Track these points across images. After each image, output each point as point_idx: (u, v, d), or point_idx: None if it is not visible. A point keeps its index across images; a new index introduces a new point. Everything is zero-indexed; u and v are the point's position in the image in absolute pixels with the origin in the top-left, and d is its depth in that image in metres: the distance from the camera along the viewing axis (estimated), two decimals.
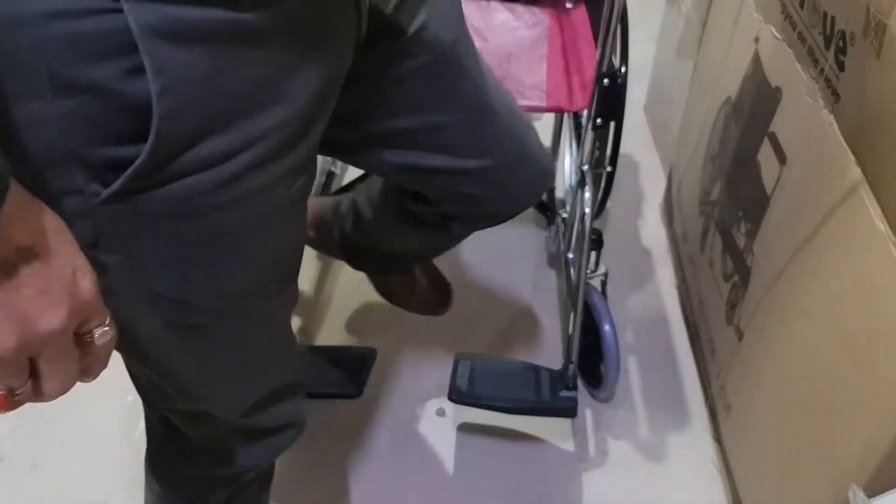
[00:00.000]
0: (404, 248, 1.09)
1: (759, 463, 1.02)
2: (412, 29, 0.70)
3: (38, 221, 0.42)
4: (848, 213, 0.81)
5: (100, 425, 1.26)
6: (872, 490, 0.73)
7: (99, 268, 0.46)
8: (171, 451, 0.81)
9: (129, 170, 0.47)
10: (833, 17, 0.84)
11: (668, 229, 1.61)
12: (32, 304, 0.41)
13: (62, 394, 0.46)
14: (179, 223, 0.52)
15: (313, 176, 0.63)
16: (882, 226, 0.75)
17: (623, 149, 1.85)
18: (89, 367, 0.47)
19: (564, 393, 1.13)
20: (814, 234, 0.88)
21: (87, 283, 0.44)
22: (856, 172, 0.80)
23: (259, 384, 0.73)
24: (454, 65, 0.75)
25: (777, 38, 1.02)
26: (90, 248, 0.49)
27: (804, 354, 0.90)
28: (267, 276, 0.62)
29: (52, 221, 0.43)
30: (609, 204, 1.69)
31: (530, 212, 1.64)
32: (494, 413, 1.25)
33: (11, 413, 1.14)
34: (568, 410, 1.13)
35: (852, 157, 0.81)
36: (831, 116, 0.85)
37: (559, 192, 1.60)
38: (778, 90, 1.00)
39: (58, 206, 0.46)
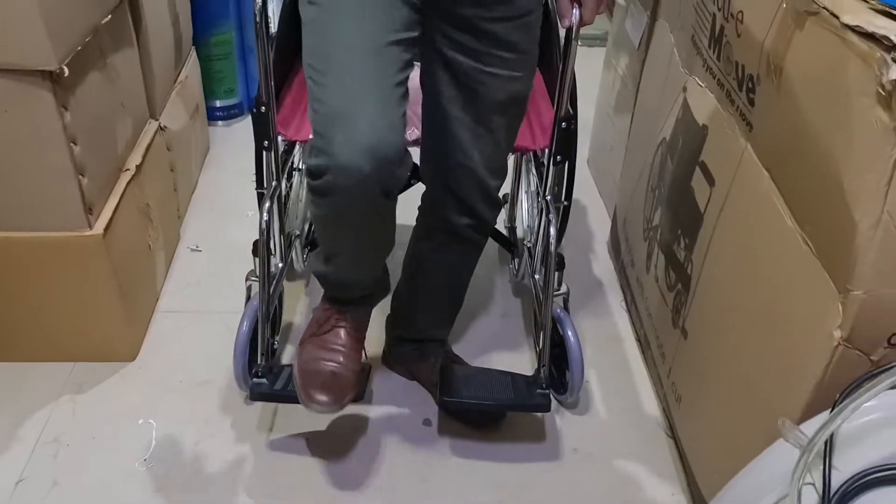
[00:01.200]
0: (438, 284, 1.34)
1: (707, 439, 1.20)
2: None
3: None
4: (764, 216, 1.02)
5: (113, 447, 1.36)
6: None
7: None
8: None
9: None
10: (743, 65, 1.07)
11: (616, 260, 1.82)
12: None
13: None
14: None
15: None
16: (791, 223, 0.96)
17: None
18: None
19: (538, 391, 1.30)
20: (739, 237, 1.09)
21: None
22: (768, 184, 1.01)
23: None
24: None
25: (701, 86, 1.25)
26: None
27: (736, 339, 1.10)
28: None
29: None
30: (562, 242, 1.90)
31: (495, 251, 1.84)
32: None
33: (30, 437, 1.23)
34: (542, 406, 1.29)
35: (765, 173, 1.02)
36: (747, 143, 1.07)
37: (519, 230, 1.80)
38: (705, 127, 1.22)
39: None
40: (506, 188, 1.88)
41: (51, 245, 1.34)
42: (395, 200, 1.08)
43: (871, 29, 0.76)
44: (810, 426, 0.79)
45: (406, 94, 1.01)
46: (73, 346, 1.48)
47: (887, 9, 0.80)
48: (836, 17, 0.82)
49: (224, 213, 1.95)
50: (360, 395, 1.28)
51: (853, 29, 0.79)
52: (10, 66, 1.15)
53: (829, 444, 0.75)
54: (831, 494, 0.72)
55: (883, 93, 0.75)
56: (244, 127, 2.34)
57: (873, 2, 0.82)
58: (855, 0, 0.83)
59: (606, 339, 1.66)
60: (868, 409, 0.78)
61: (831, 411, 0.76)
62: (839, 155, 0.84)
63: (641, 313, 1.57)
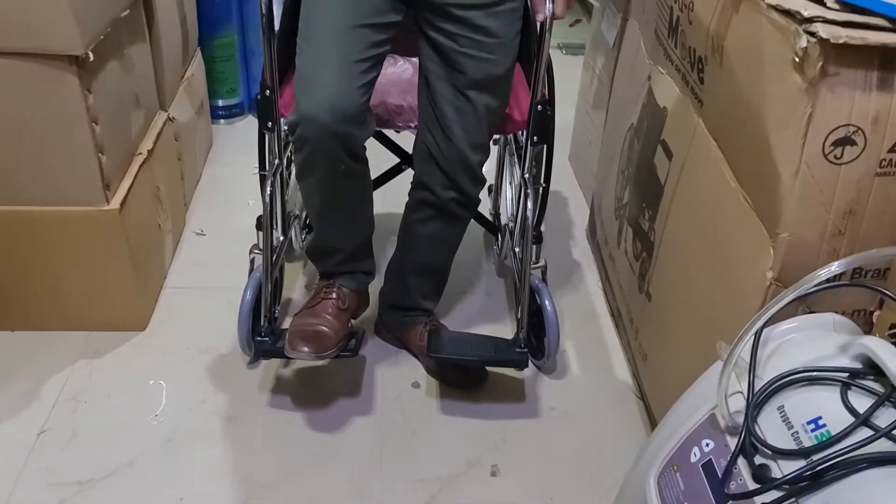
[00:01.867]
0: (426, 253, 1.49)
1: (670, 390, 1.32)
2: None
3: None
4: (712, 180, 1.15)
5: (128, 403, 1.48)
6: None
7: None
8: None
9: None
10: (694, 49, 1.21)
11: (592, 242, 1.95)
12: None
13: None
14: None
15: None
16: (734, 184, 1.10)
17: (554, 188, 2.21)
18: None
19: (517, 350, 1.42)
20: (692, 202, 1.22)
21: None
22: (716, 152, 1.15)
23: None
24: None
25: (662, 73, 1.39)
26: None
27: (691, 292, 1.23)
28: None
29: None
30: (544, 229, 2.03)
31: (480, 236, 1.97)
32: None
33: (50, 396, 1.35)
34: (520, 362, 1.42)
35: (714, 143, 1.16)
36: (699, 118, 1.21)
37: (503, 217, 1.93)
38: (665, 108, 1.36)
39: None
40: (491, 178, 2.03)
41: (71, 219, 1.47)
42: (363, 165, 1.31)
43: (786, 6, 0.90)
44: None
45: (371, 68, 1.24)
46: (89, 315, 1.60)
47: None
48: (763, 0, 0.96)
49: (226, 202, 2.08)
50: (354, 352, 1.40)
51: (775, 7, 0.93)
52: (41, 50, 1.28)
53: (753, 359, 0.88)
54: (753, 398, 0.84)
55: (797, 59, 0.88)
56: (245, 125, 2.48)
57: None
58: None
59: (583, 315, 1.78)
60: (788, 331, 0.91)
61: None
62: (766, 117, 0.98)
63: (614, 287, 1.70)
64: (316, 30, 1.22)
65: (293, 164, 1.70)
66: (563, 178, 2.27)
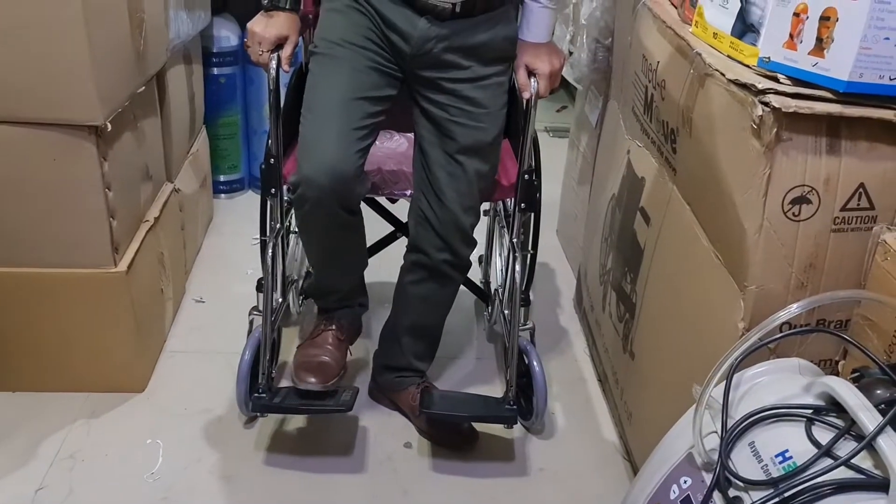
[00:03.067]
0: (419, 314, 1.57)
1: (653, 443, 1.37)
2: None
3: None
4: (687, 241, 1.24)
5: (124, 462, 1.51)
6: None
7: None
8: None
9: None
10: (667, 122, 1.32)
11: (579, 310, 2.02)
12: None
13: None
14: None
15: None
16: (706, 243, 1.18)
17: (542, 260, 2.30)
18: None
19: (506, 407, 1.48)
20: (670, 262, 1.31)
21: None
22: (689, 215, 1.24)
23: None
24: None
25: (639, 146, 1.50)
26: None
27: (670, 347, 1.29)
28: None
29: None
30: (533, 298, 2.11)
31: (471, 304, 2.04)
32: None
33: (48, 454, 1.39)
34: (509, 419, 1.48)
35: (687, 206, 1.25)
36: (673, 185, 1.31)
37: (493, 285, 2.00)
38: (643, 178, 1.46)
39: None
40: (481, 249, 2.12)
41: (80, 280, 1.53)
42: (357, 217, 1.44)
43: (744, 81, 1.01)
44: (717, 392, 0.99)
45: (367, 135, 1.36)
46: (89, 377, 1.65)
47: (763, 71, 1.05)
48: (723, 75, 1.07)
49: (225, 271, 2.15)
50: (348, 407, 1.45)
51: (734, 82, 1.04)
52: (63, 120, 1.38)
53: (726, 400, 0.94)
54: (726, 435, 0.90)
55: (755, 126, 0.98)
56: (245, 200, 2.57)
57: (753, 65, 1.07)
58: (738, 64, 1.08)
59: (571, 380, 1.84)
60: (757, 375, 0.98)
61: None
62: (731, 179, 1.07)
63: (600, 351, 1.76)
64: (319, 101, 1.35)
65: (293, 226, 1.81)
66: (551, 251, 2.37)
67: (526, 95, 1.41)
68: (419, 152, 1.43)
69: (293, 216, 1.86)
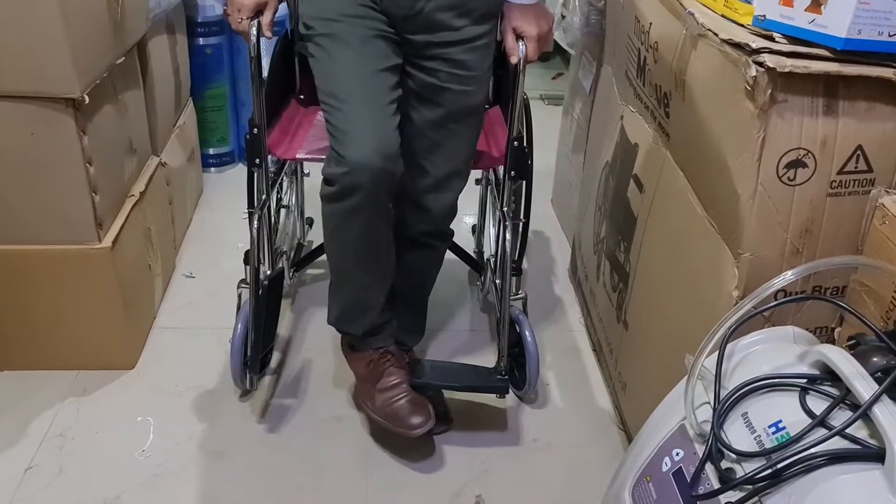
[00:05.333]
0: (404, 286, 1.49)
1: (646, 413, 1.35)
2: None
3: None
4: (681, 208, 1.21)
5: (115, 440, 1.50)
6: None
7: None
8: None
9: None
10: (659, 85, 1.28)
11: (574, 280, 2.00)
12: None
13: None
14: None
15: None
16: (700, 211, 1.15)
17: (537, 229, 2.27)
18: None
19: (498, 377, 1.46)
20: (664, 229, 1.28)
21: None
22: (683, 182, 1.21)
23: None
24: None
25: (632, 111, 1.46)
26: None
27: (664, 316, 1.27)
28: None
29: None
30: (527, 268, 2.08)
31: (464, 275, 2.01)
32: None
33: (38, 433, 1.37)
34: (501, 388, 1.48)
35: (681, 173, 1.22)
36: (666, 150, 1.27)
37: (487, 254, 1.98)
38: (636, 144, 1.43)
39: None
40: (474, 219, 2.09)
41: (64, 256, 1.51)
42: (390, 209, 1.33)
43: (738, 40, 0.97)
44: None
45: (397, 110, 1.28)
46: (78, 355, 1.63)
47: (757, 30, 1.01)
48: (717, 35, 1.03)
49: (216, 246, 2.13)
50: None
51: (727, 42, 1.00)
52: (39, 93, 1.34)
53: (719, 370, 0.92)
54: (718, 406, 0.88)
55: (748, 88, 0.95)
56: (235, 173, 2.54)
57: (748, 24, 1.03)
58: (732, 23, 1.05)
59: (566, 350, 1.82)
60: (751, 344, 0.95)
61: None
62: (724, 143, 1.04)
63: (595, 321, 1.74)
64: (340, 86, 1.26)
65: (285, 200, 1.76)
66: (547, 221, 2.34)
67: (514, 60, 1.36)
68: (404, 118, 1.36)
69: (283, 189, 1.85)
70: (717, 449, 0.85)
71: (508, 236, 1.50)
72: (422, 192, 1.40)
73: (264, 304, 1.51)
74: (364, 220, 1.29)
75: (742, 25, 1.03)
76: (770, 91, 0.92)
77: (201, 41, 2.30)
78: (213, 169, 2.51)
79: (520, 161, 1.48)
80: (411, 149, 1.36)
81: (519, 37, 1.34)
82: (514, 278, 1.56)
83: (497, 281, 1.63)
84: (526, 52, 1.35)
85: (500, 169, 1.58)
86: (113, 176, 1.58)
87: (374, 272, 1.39)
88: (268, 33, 1.33)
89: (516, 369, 1.58)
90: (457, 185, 1.43)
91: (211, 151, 2.48)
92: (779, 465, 0.77)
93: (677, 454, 0.92)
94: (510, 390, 1.54)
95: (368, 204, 1.26)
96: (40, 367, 1.63)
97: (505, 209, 1.52)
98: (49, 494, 1.38)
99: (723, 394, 0.89)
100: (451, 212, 1.45)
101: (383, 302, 1.43)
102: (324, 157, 1.29)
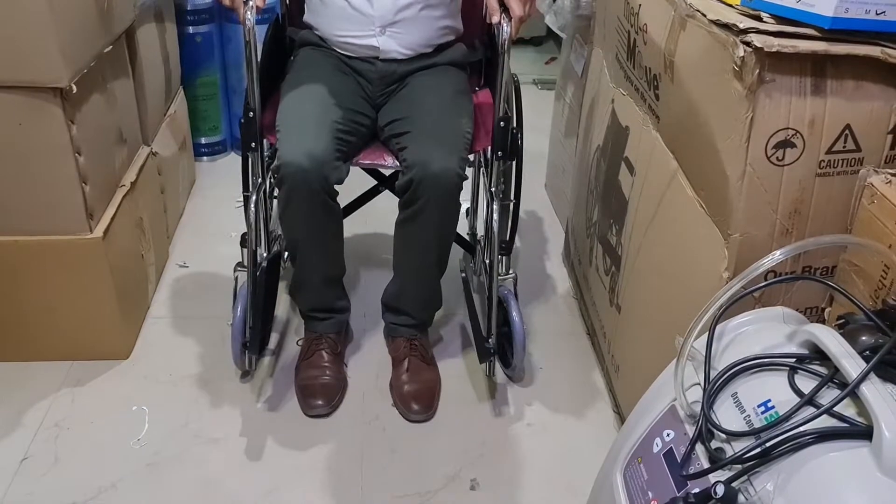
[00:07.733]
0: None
1: (639, 395, 1.36)
2: None
3: None
4: (671, 191, 1.21)
5: (110, 429, 1.50)
6: None
7: None
8: None
9: None
10: (649, 68, 1.28)
11: (568, 264, 2.00)
12: None
13: None
14: None
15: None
16: (690, 192, 1.15)
17: (531, 214, 2.27)
18: None
19: (486, 343, 1.52)
20: (655, 212, 1.28)
21: None
22: (673, 164, 1.20)
23: None
24: None
25: (623, 94, 1.46)
26: None
27: (655, 299, 1.27)
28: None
29: None
30: (520, 250, 2.09)
31: (458, 254, 2.01)
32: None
33: (33, 423, 1.38)
34: (486, 352, 1.53)
35: (671, 155, 1.22)
36: (656, 133, 1.27)
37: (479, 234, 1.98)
38: (627, 127, 1.42)
39: None
40: (467, 203, 2.08)
41: (55, 247, 1.50)
42: (337, 204, 1.44)
43: (726, 20, 0.97)
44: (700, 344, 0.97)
45: (344, 132, 1.41)
46: (72, 345, 1.63)
47: (746, 10, 1.00)
48: (705, 16, 1.02)
49: (209, 235, 2.12)
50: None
51: (715, 22, 0.99)
52: (26, 83, 1.33)
53: (709, 351, 0.92)
54: (708, 387, 0.88)
55: (736, 68, 0.94)
56: (227, 162, 2.53)
57: (736, 4, 1.02)
58: (721, 4, 1.04)
59: (560, 334, 1.82)
60: (741, 325, 0.96)
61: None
62: (713, 124, 1.03)
63: (588, 305, 1.74)
64: (297, 99, 1.44)
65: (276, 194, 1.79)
66: (541, 205, 2.34)
67: (496, 19, 1.35)
68: (396, 134, 1.47)
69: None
70: (706, 429, 0.85)
71: (496, 216, 1.50)
72: (426, 166, 1.43)
73: (262, 285, 1.52)
74: (299, 209, 1.40)
75: (731, 6, 1.03)
76: (758, 71, 0.92)
77: (191, 29, 2.29)
78: (205, 158, 2.50)
79: (507, 141, 1.48)
80: (413, 135, 1.42)
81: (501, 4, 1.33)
82: (503, 258, 1.56)
83: (487, 261, 1.63)
84: (510, 31, 1.33)
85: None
86: (103, 166, 1.57)
87: (317, 253, 1.50)
88: (260, 2, 1.33)
89: (507, 349, 1.59)
90: (458, 153, 1.46)
91: (203, 140, 2.47)
92: (767, 444, 0.77)
93: (668, 435, 0.92)
94: (501, 369, 1.57)
95: (298, 197, 1.38)
96: (34, 359, 1.63)
97: (493, 189, 1.52)
98: (45, 484, 1.38)
99: (713, 374, 0.89)
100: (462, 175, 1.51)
101: (322, 287, 1.57)
102: None
